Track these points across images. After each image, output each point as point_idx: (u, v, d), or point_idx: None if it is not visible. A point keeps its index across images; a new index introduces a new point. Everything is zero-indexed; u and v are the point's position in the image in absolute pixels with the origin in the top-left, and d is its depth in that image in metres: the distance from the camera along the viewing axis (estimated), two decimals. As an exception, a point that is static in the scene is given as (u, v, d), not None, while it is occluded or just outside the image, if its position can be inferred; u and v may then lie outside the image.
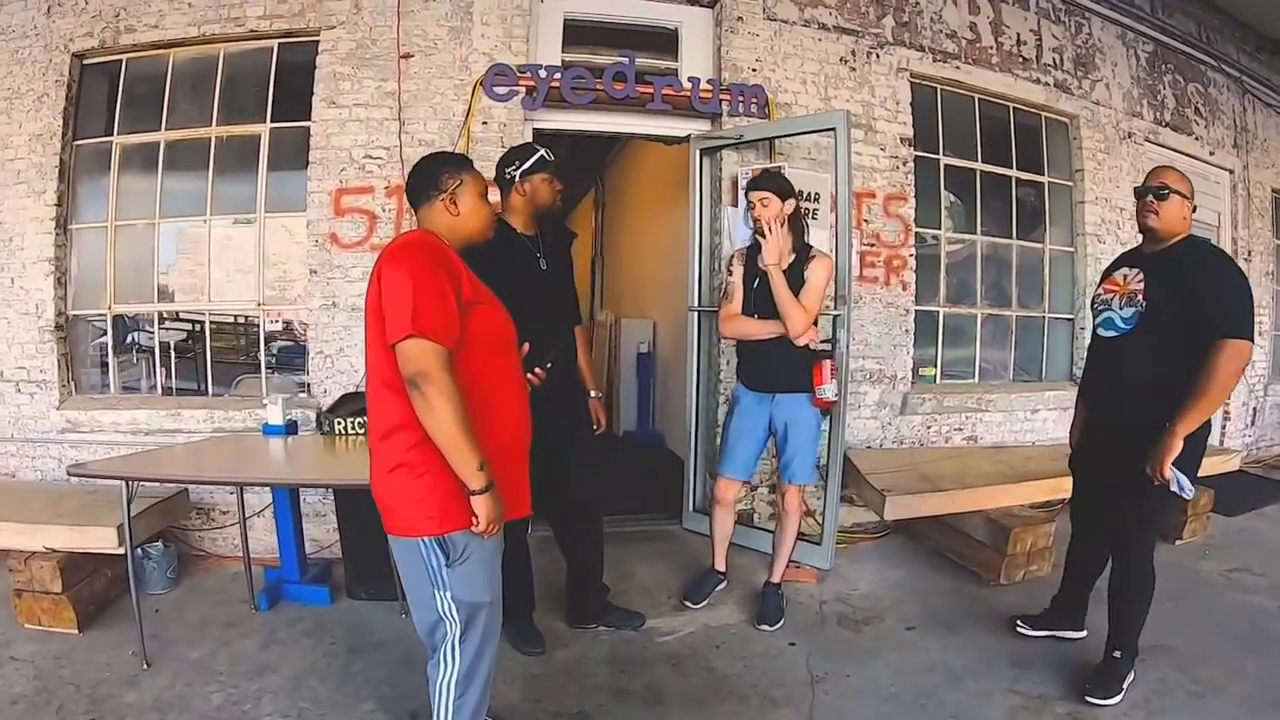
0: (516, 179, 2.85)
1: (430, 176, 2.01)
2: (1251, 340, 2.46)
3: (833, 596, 3.60)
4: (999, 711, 2.63)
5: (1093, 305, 2.91)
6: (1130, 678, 2.75)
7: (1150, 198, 2.69)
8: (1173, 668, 2.90)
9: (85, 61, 4.14)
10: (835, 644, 3.14)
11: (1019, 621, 3.22)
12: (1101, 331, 2.82)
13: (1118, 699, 2.68)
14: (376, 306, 1.80)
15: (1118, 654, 2.75)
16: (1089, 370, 2.97)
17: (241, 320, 4.30)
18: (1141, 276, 2.70)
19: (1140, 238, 2.85)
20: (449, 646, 1.93)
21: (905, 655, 3.03)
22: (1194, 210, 2.72)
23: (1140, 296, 2.66)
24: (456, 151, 2.24)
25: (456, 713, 1.95)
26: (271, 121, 4.10)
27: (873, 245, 4.56)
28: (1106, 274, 2.92)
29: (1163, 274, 2.64)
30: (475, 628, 1.93)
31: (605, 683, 2.80)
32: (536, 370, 2.24)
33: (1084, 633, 3.13)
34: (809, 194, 4.28)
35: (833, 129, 3.75)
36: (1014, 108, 5.19)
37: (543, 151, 2.88)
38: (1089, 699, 2.68)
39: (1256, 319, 6.64)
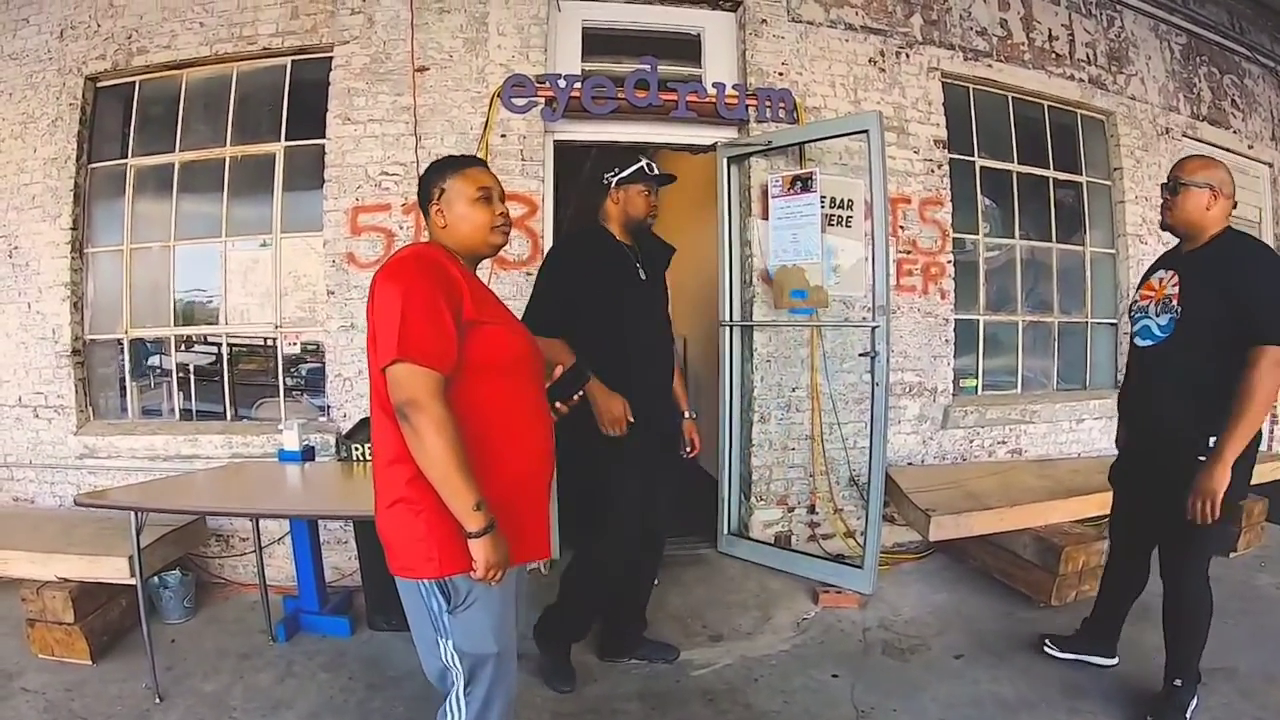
0: (611, 186, 2.76)
1: (422, 186, 1.88)
2: None
3: (876, 623, 3.43)
4: (1054, 744, 2.48)
5: (1130, 312, 2.74)
6: (1194, 705, 2.59)
7: (1165, 193, 2.55)
8: (1236, 692, 2.74)
9: (99, 84, 4.13)
10: (881, 675, 2.98)
11: (1047, 641, 3.08)
12: (1139, 341, 2.66)
13: None
14: (372, 326, 1.68)
15: (1178, 682, 2.60)
16: (1126, 381, 2.83)
17: (261, 344, 4.23)
18: (1176, 280, 2.53)
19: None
20: (454, 697, 1.76)
21: (954, 686, 2.87)
22: (1230, 198, 2.51)
23: (1175, 301, 2.50)
24: (462, 154, 2.08)
25: None
26: (286, 140, 4.04)
27: (909, 252, 4.42)
28: (1144, 278, 2.75)
29: (1197, 275, 2.48)
30: (481, 679, 1.75)
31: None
32: (558, 405, 1.96)
33: (1115, 660, 2.98)
34: (841, 200, 4.18)
35: (865, 131, 3.61)
36: (1048, 106, 5.03)
37: (644, 163, 2.78)
38: None
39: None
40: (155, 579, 3.40)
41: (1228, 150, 5.90)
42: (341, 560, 3.81)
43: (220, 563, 3.92)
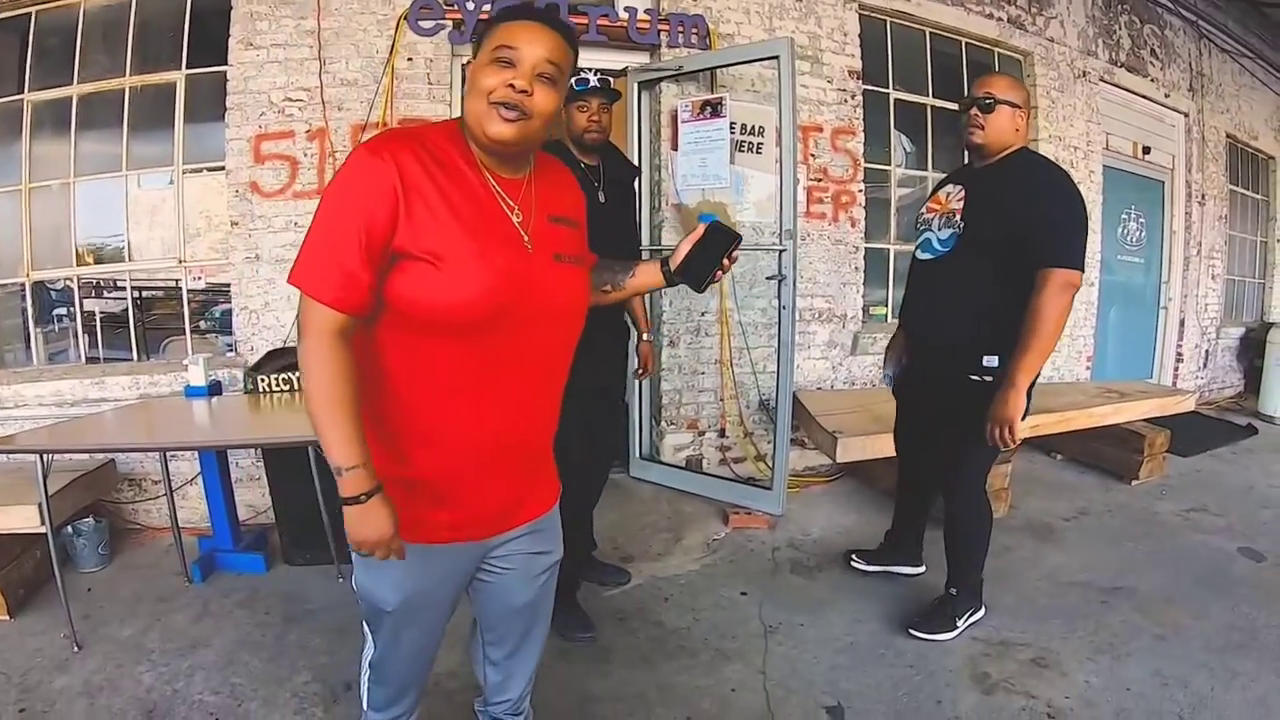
0: None
1: None
2: (1080, 269, 2.25)
3: (785, 543, 3.52)
4: (959, 659, 2.56)
5: (916, 225, 2.69)
6: (973, 617, 2.73)
7: (975, 110, 2.42)
8: (1135, 610, 2.88)
9: (-6, 18, 3.89)
10: (788, 593, 3.06)
11: (854, 556, 3.21)
12: (919, 254, 2.63)
13: (949, 635, 2.66)
14: None
15: (954, 591, 2.71)
16: (906, 294, 2.78)
17: (168, 283, 4.10)
18: (963, 194, 2.48)
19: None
20: (364, 623, 1.54)
21: (861, 602, 2.96)
22: (1028, 119, 2.50)
23: (958, 216, 2.45)
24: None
25: (369, 695, 1.63)
26: (187, 68, 3.86)
27: (820, 180, 4.46)
28: (933, 192, 2.71)
29: (985, 192, 2.43)
30: (377, 628, 1.50)
31: (550, 642, 2.68)
32: (724, 267, 1.56)
33: (922, 568, 3.13)
34: (753, 127, 4.18)
35: (776, 57, 3.60)
36: (966, 43, 5.09)
37: (573, 78, 2.58)
38: (912, 631, 2.67)
39: (1209, 260, 6.67)
40: (68, 528, 3.31)
41: (1144, 97, 6.09)
42: (255, 498, 3.76)
43: (134, 508, 3.84)
